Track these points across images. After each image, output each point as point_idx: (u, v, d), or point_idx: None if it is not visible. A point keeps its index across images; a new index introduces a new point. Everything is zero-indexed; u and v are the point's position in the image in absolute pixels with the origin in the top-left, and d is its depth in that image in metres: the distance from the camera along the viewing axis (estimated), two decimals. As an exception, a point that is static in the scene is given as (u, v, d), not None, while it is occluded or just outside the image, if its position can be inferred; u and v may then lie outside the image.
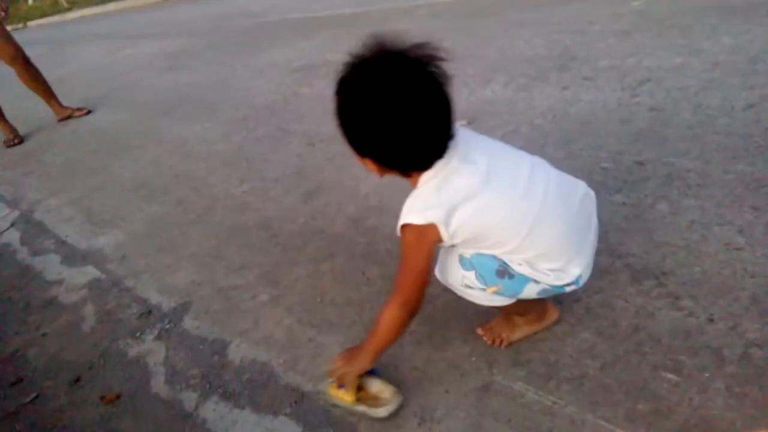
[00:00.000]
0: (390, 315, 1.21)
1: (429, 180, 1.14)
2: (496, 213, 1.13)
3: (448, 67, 1.05)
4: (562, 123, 2.38)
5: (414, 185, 1.18)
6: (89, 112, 4.99)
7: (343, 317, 1.67)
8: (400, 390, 1.33)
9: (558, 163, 1.28)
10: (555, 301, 1.42)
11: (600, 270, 1.38)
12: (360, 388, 1.33)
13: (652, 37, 3.01)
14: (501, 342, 1.41)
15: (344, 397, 1.33)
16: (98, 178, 3.37)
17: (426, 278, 1.19)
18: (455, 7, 4.99)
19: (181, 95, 4.77)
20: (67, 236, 2.72)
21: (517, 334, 1.40)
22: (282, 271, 1.98)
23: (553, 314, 1.40)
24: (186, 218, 2.58)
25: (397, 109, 1.02)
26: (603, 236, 1.54)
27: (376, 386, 1.33)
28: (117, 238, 2.57)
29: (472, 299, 1.29)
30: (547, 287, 1.23)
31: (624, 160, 2.00)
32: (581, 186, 1.27)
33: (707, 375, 1.18)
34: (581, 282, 1.26)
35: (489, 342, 1.42)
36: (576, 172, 1.31)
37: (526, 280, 1.21)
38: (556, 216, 1.17)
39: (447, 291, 1.62)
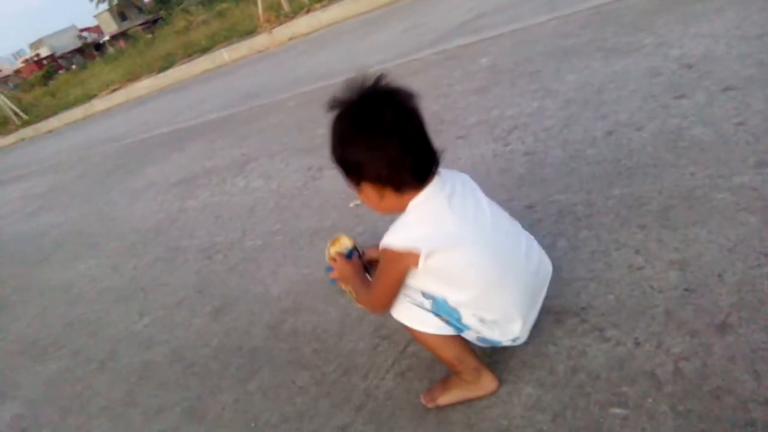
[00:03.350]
0: (362, 303, 1.47)
1: (420, 208, 1.24)
2: (470, 267, 1.25)
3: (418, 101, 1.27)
4: (449, 184, 2.46)
5: (402, 210, 1.28)
6: None
7: (283, 437, 1.56)
8: None
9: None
10: (492, 370, 1.41)
11: (524, 320, 1.40)
12: None
13: (506, 87, 3.24)
14: (432, 401, 1.41)
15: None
16: (-24, 349, 3.04)
17: (393, 295, 1.32)
18: (319, 95, 5.14)
19: (56, 237, 4.49)
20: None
21: (447, 397, 1.40)
22: (206, 403, 1.83)
23: (490, 384, 1.38)
24: (88, 369, 2.36)
25: (385, 129, 1.19)
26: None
27: None
28: (13, 411, 2.29)
29: (418, 325, 1.33)
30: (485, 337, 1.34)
31: (514, 206, 2.08)
32: (546, 261, 1.43)
33: (650, 400, 1.20)
34: (519, 341, 1.38)
35: (423, 402, 1.43)
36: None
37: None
38: (517, 281, 1.31)
39: (384, 380, 1.56)
